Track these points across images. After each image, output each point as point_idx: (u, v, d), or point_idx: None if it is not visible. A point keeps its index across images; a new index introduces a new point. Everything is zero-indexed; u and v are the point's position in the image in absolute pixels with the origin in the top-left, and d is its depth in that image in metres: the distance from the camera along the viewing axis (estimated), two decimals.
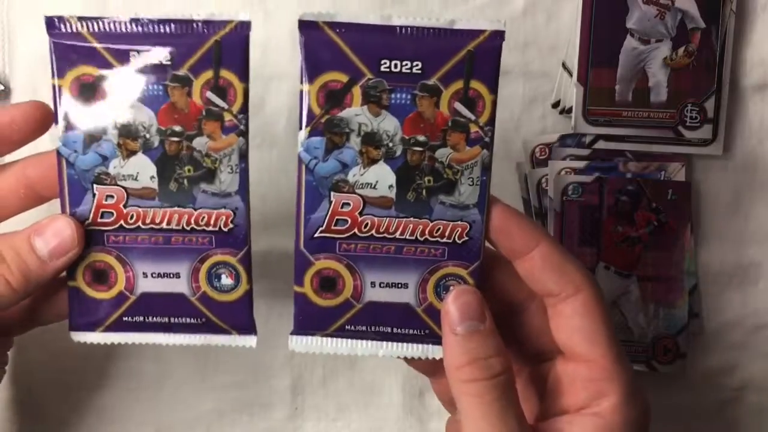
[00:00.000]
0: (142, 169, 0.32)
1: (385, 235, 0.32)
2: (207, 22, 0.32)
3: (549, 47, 0.47)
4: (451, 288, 0.32)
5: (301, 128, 0.32)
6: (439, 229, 0.32)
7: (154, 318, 0.33)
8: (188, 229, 0.32)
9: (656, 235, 0.46)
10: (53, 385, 0.47)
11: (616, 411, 0.31)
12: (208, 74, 0.32)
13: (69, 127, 0.32)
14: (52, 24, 0.32)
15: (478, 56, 0.31)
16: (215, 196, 0.32)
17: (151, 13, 0.32)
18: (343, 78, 0.31)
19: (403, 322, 0.33)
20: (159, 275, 0.33)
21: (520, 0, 0.47)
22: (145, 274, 0.33)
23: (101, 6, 0.46)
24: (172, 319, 0.33)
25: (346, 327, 0.33)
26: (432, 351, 0.33)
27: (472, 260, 0.32)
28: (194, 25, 0.32)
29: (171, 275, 0.33)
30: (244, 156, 0.32)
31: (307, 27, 0.31)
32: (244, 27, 0.32)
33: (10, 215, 0.36)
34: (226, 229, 0.33)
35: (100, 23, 0.31)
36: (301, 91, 0.32)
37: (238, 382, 0.47)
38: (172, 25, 0.32)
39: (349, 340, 0.33)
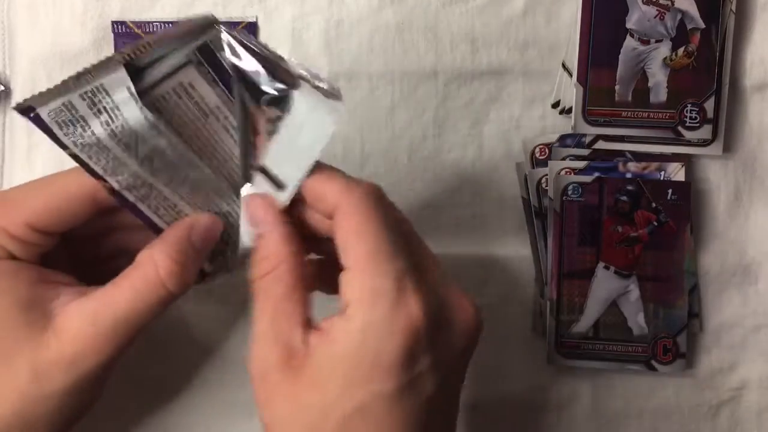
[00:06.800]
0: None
1: None
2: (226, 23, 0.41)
3: (549, 47, 0.47)
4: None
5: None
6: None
7: None
8: None
9: (656, 235, 0.46)
10: None
11: (355, 315, 0.31)
12: None
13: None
14: (114, 27, 0.46)
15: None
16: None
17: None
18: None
19: None
20: None
21: (520, 0, 0.47)
22: None
23: (101, 6, 0.46)
24: None
25: None
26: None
27: None
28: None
29: None
30: None
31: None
32: (251, 25, 0.46)
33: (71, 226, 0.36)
34: None
35: (149, 26, 0.46)
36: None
37: (238, 382, 0.47)
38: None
39: None
